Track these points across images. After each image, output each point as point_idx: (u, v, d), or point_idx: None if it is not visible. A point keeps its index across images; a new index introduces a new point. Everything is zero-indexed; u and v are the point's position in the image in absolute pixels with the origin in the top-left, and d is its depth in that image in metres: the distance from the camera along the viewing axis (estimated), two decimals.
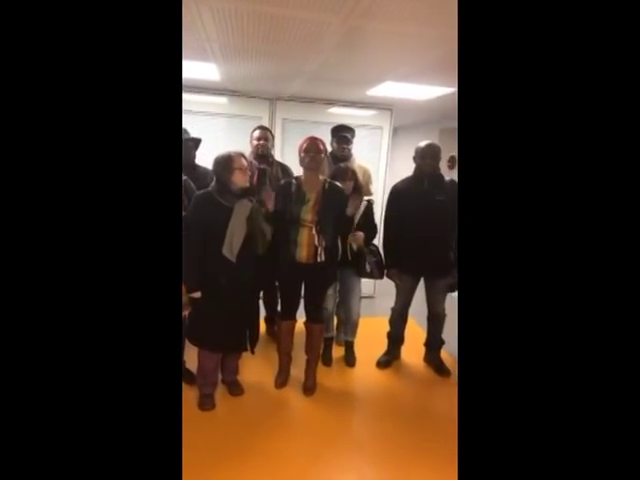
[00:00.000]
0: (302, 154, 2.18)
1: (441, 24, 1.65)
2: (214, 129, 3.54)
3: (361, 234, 2.50)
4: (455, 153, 4.73)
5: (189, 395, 2.32)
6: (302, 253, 2.21)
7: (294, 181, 2.23)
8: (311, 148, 2.14)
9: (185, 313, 2.21)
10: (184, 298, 2.11)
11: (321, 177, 2.24)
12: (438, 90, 3.01)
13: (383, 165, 3.90)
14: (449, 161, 4.76)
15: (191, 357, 2.50)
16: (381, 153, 3.89)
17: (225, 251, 2.02)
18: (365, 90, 3.13)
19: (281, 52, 2.21)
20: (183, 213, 2.11)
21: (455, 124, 4.53)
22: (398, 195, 2.61)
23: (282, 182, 2.29)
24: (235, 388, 2.39)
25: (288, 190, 2.20)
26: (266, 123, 3.57)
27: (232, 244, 2.02)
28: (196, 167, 2.47)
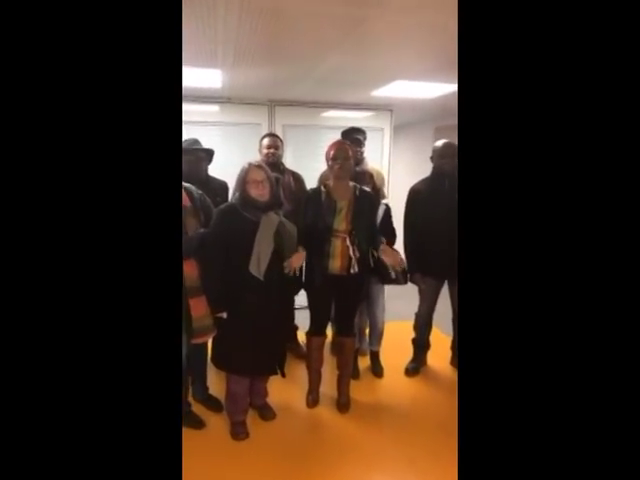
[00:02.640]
0: (330, 162, 2.07)
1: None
2: (213, 138, 3.39)
3: (382, 240, 2.40)
4: None
5: (218, 424, 2.17)
6: (336, 265, 2.09)
7: (323, 189, 2.11)
8: (339, 154, 2.03)
9: (209, 337, 2.06)
10: (209, 320, 1.98)
11: (351, 184, 2.12)
12: (444, 87, 2.96)
13: (386, 166, 3.83)
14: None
15: (214, 383, 2.36)
16: (383, 154, 3.83)
17: (252, 268, 1.88)
18: (370, 91, 3.06)
19: (295, 53, 2.10)
20: (202, 230, 1.98)
21: (450, 122, 4.51)
22: (418, 196, 2.53)
23: (310, 191, 2.18)
24: (267, 412, 2.25)
25: (317, 199, 2.08)
26: (266, 129, 3.45)
27: (259, 261, 1.89)
28: (210, 180, 2.32)
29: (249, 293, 1.90)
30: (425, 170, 5.20)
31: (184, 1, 1.41)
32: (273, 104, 3.49)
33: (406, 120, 4.66)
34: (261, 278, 1.88)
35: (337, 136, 3.32)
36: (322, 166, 2.71)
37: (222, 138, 3.46)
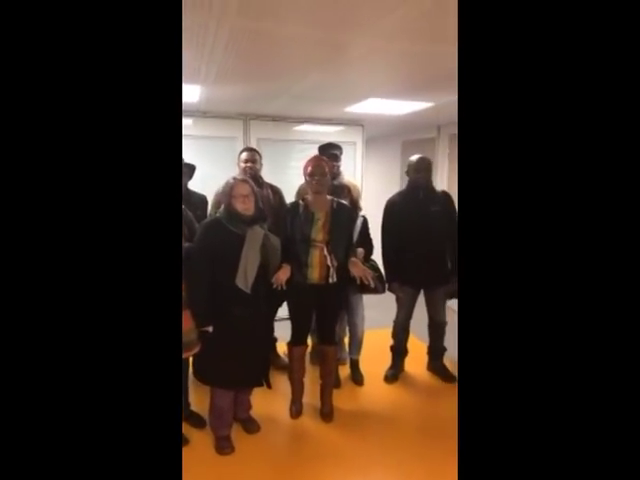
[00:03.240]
0: (308, 177, 2.13)
1: (436, 40, 1.68)
2: (187, 152, 3.37)
3: (361, 250, 2.49)
4: None
5: (203, 440, 2.14)
6: (314, 274, 2.15)
7: (301, 202, 2.17)
8: (317, 171, 2.11)
9: (194, 352, 2.04)
10: (193, 335, 1.97)
11: (328, 197, 2.20)
12: (413, 105, 3.12)
13: (358, 179, 3.94)
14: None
15: (197, 399, 2.33)
16: (356, 167, 3.95)
17: (239, 282, 1.91)
18: (343, 107, 3.16)
19: (276, 72, 2.17)
20: (186, 244, 1.98)
21: (416, 136, 4.72)
22: (394, 208, 2.64)
23: (289, 204, 2.23)
24: (251, 425, 2.24)
25: (296, 212, 2.14)
26: (241, 143, 3.48)
27: (246, 274, 1.91)
28: (191, 194, 2.33)
29: (236, 306, 1.91)
30: (393, 180, 5.39)
31: None
32: (248, 118, 3.54)
33: (374, 134, 4.82)
34: (248, 291, 1.90)
35: (310, 150, 3.41)
36: (295, 179, 2.79)
37: (196, 151, 3.44)
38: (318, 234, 2.13)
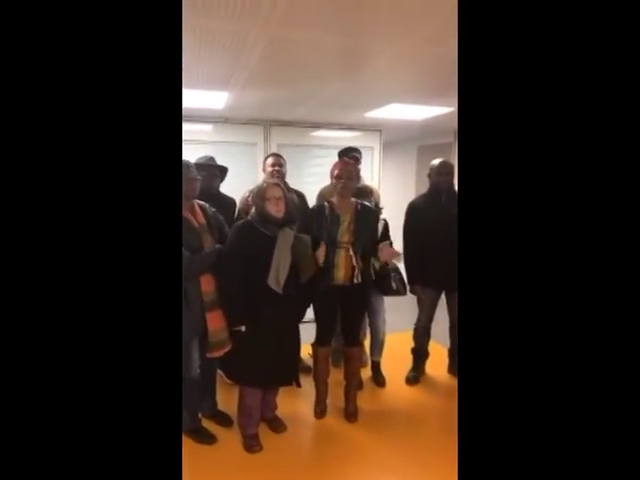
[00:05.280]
0: (334, 180, 2.19)
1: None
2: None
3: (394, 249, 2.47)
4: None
5: (231, 438, 2.19)
6: (339, 274, 2.20)
7: (326, 204, 2.23)
8: (344, 174, 2.17)
9: (225, 351, 2.09)
10: (224, 334, 2.02)
11: (352, 199, 2.26)
12: (431, 110, 3.17)
13: (376, 184, 3.99)
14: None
15: (223, 398, 2.38)
16: (373, 173, 4.00)
17: (271, 282, 1.95)
18: (364, 113, 3.22)
19: (303, 79, 2.23)
20: (218, 246, 2.03)
21: (432, 141, 4.76)
22: (416, 211, 2.68)
23: (315, 207, 2.29)
24: (278, 425, 2.28)
25: (322, 213, 2.20)
26: (261, 149, 3.55)
27: (278, 275, 1.96)
28: (222, 198, 2.39)
29: (268, 306, 1.96)
30: (408, 184, 5.42)
31: (214, 32, 1.51)
32: (269, 124, 3.61)
33: (391, 139, 4.88)
34: (280, 291, 1.95)
35: (328, 155, 3.47)
36: (313, 183, 2.80)
37: (218, 156, 3.52)
38: (344, 235, 2.18)
